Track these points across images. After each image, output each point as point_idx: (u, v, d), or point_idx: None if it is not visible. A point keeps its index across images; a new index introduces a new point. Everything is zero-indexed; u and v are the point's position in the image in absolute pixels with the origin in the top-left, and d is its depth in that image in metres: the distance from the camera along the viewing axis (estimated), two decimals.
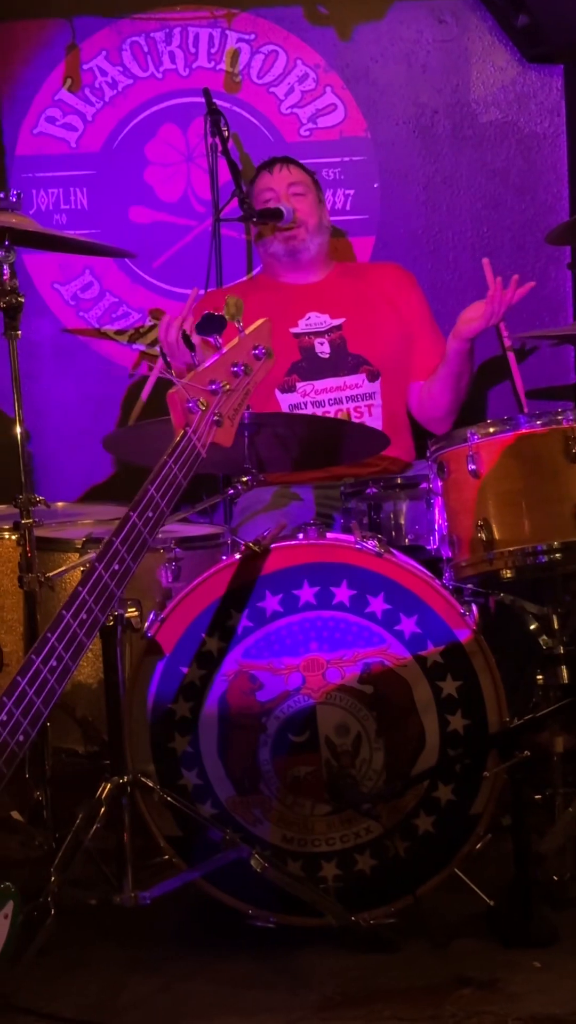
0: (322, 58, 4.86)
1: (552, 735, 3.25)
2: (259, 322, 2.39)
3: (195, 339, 2.72)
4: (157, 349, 4.63)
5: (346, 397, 3.97)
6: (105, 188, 4.85)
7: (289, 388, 3.96)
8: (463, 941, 2.88)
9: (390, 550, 3.02)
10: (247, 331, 2.36)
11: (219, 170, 4.55)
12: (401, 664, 2.96)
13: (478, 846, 2.96)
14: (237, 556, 2.98)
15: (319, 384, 3.97)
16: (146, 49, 4.82)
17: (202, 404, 2.25)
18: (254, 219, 4.15)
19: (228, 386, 2.30)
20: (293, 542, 3.01)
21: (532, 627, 3.24)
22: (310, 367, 3.99)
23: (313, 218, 4.10)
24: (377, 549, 2.97)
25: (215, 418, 2.28)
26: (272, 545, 2.98)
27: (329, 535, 3.04)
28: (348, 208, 4.88)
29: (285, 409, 3.96)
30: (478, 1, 4.85)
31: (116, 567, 2.11)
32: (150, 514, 2.15)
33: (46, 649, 2.02)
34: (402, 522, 3.36)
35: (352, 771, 2.95)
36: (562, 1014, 2.54)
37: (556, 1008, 2.56)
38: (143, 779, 2.92)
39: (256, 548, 2.97)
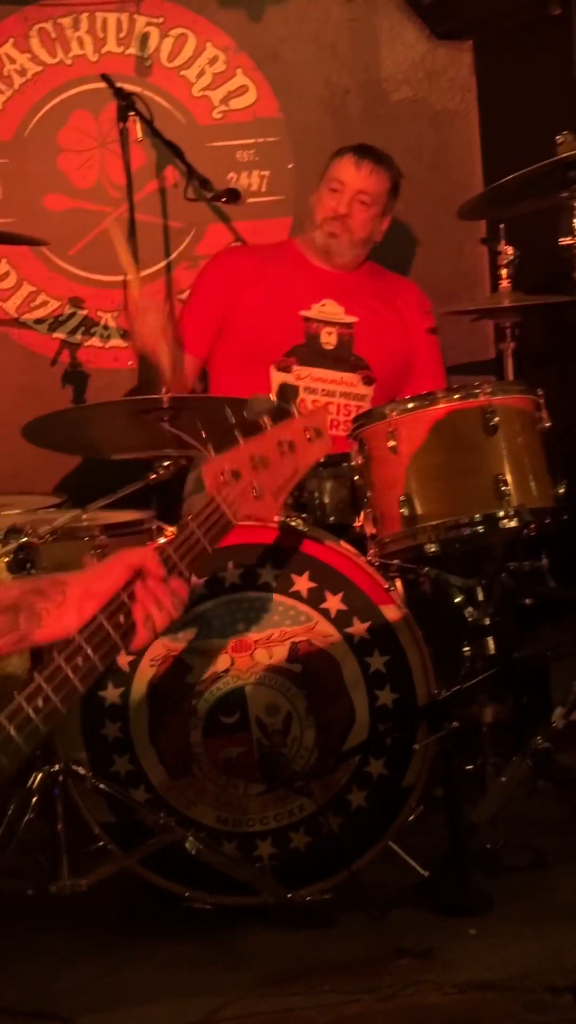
0: (232, 40, 4.84)
1: (481, 706, 3.30)
2: (317, 407, 2.34)
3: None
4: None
5: (340, 392, 3.95)
6: (18, 176, 4.80)
7: (285, 368, 3.93)
8: (400, 913, 2.91)
9: (314, 529, 3.03)
10: (303, 414, 2.29)
11: (132, 155, 4.52)
12: (328, 642, 2.98)
13: (411, 818, 3.00)
14: (161, 541, 2.98)
15: (316, 372, 3.95)
16: (54, 35, 4.77)
17: (238, 476, 2.20)
18: (210, 198, 4.13)
19: (270, 462, 2.23)
20: None
21: (457, 600, 3.27)
22: (311, 353, 3.95)
23: (363, 232, 4.01)
24: (300, 529, 2.99)
25: (253, 493, 2.21)
26: None
27: None
28: (264, 189, 4.88)
29: (275, 387, 3.94)
30: None
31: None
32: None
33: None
34: (326, 500, 3.36)
35: (284, 750, 2.97)
36: (498, 979, 2.58)
37: (492, 974, 2.60)
38: (75, 767, 2.93)
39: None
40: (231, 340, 3.95)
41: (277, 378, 3.91)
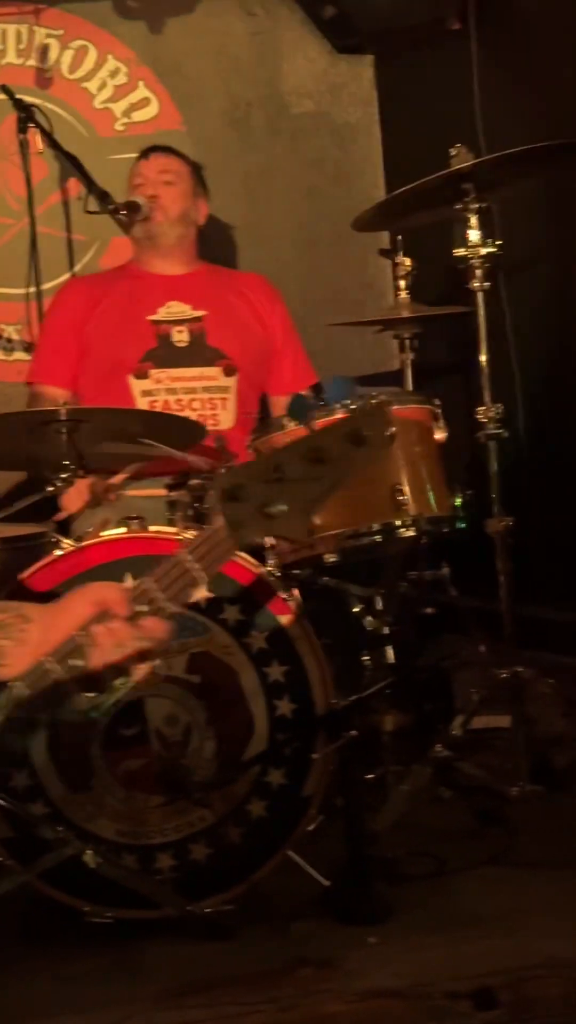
0: (133, 52, 4.85)
1: (382, 714, 3.31)
2: (377, 399, 2.00)
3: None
4: None
5: (201, 388, 3.96)
6: None
7: (142, 375, 3.93)
8: (301, 922, 2.90)
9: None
10: (352, 416, 1.96)
11: (34, 168, 4.51)
12: (226, 652, 2.97)
13: (311, 827, 2.99)
14: (58, 553, 2.97)
15: (173, 372, 3.96)
16: None
17: (248, 493, 1.85)
18: (110, 209, 4.14)
19: (298, 473, 1.87)
20: (114, 536, 3.00)
21: (356, 609, 3.28)
22: (166, 355, 3.95)
23: (176, 208, 4.06)
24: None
25: (269, 510, 1.86)
26: (93, 540, 2.98)
27: (151, 527, 3.05)
28: None
29: (137, 395, 3.94)
30: None
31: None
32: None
33: None
34: None
35: (183, 761, 2.96)
36: (398, 987, 2.58)
37: (392, 981, 2.60)
38: None
39: (76, 545, 2.96)
40: (89, 362, 3.98)
41: (136, 386, 3.92)
